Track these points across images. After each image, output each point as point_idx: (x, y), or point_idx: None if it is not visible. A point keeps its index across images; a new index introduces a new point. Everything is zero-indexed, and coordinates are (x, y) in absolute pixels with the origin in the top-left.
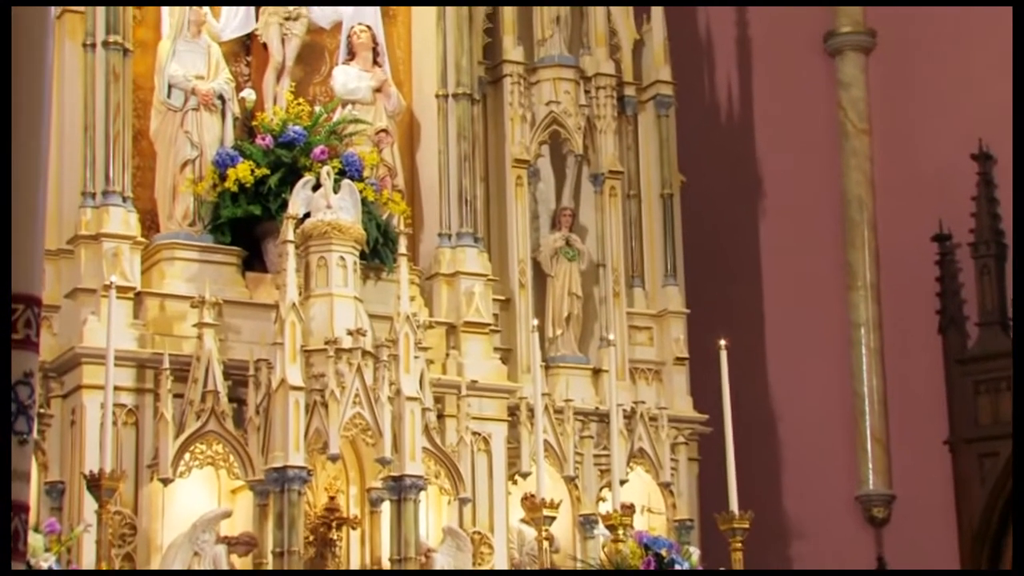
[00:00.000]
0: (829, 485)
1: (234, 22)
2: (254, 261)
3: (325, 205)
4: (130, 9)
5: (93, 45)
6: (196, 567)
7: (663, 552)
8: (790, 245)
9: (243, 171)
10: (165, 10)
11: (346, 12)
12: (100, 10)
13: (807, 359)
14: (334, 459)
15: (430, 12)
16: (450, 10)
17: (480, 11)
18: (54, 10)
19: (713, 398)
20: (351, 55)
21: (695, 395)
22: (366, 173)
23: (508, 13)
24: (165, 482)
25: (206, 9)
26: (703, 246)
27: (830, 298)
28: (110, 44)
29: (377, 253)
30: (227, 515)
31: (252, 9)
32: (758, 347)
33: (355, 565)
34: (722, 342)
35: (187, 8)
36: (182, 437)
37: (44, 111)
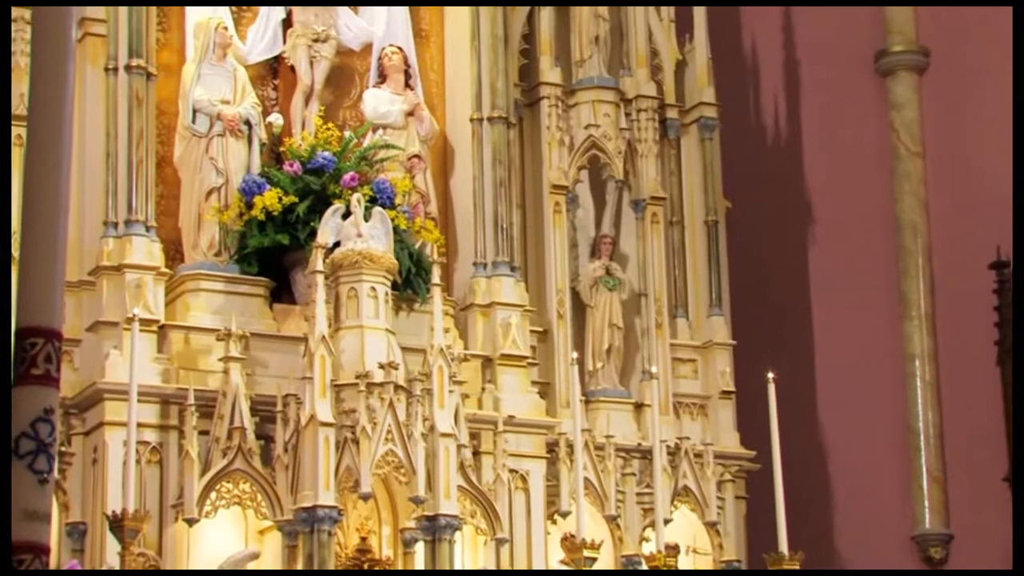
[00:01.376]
0: (883, 525)
1: (261, 44)
2: (282, 292)
3: (355, 234)
4: (153, 32)
5: (115, 69)
6: None
7: None
8: (841, 273)
9: (270, 199)
10: (189, 33)
11: (377, 33)
12: (122, 33)
13: (859, 392)
14: (366, 498)
15: (464, 33)
16: (484, 31)
17: (516, 32)
18: (75, 33)
19: (761, 433)
20: (382, 78)
21: (742, 430)
22: (398, 200)
23: (545, 33)
24: (190, 522)
25: (232, 31)
26: (749, 275)
27: (883, 329)
28: (133, 68)
29: (410, 283)
30: (255, 557)
31: (279, 31)
32: (808, 380)
33: None
34: (770, 375)
35: (212, 31)
36: (208, 476)
37: (65, 138)
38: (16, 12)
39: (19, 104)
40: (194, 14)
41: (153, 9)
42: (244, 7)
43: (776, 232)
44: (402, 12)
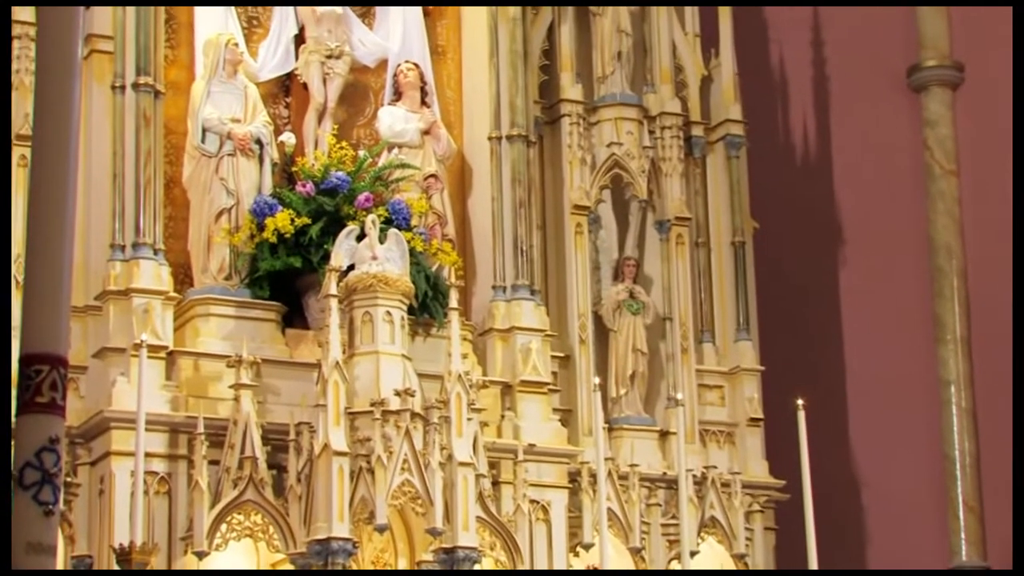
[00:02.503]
0: (918, 557)
1: (272, 61)
2: (294, 317)
3: (370, 256)
4: (161, 49)
5: (122, 87)
6: None
7: None
8: (873, 296)
9: (282, 220)
10: (199, 49)
11: (392, 49)
12: (130, 50)
13: (892, 419)
14: (381, 530)
15: (482, 48)
16: (503, 46)
17: (536, 47)
18: (81, 50)
19: (790, 462)
20: (397, 95)
21: (771, 459)
22: (414, 221)
23: (566, 48)
24: (200, 555)
25: (243, 48)
26: (778, 298)
27: (917, 353)
28: (140, 86)
29: (426, 307)
30: None
31: (292, 47)
32: (839, 407)
33: None
34: (800, 401)
35: (222, 47)
36: (218, 507)
37: (70, 158)
38: (19, 29)
39: (23, 124)
40: (204, 30)
41: (161, 25)
42: (255, 26)
43: (805, 253)
44: (418, 27)
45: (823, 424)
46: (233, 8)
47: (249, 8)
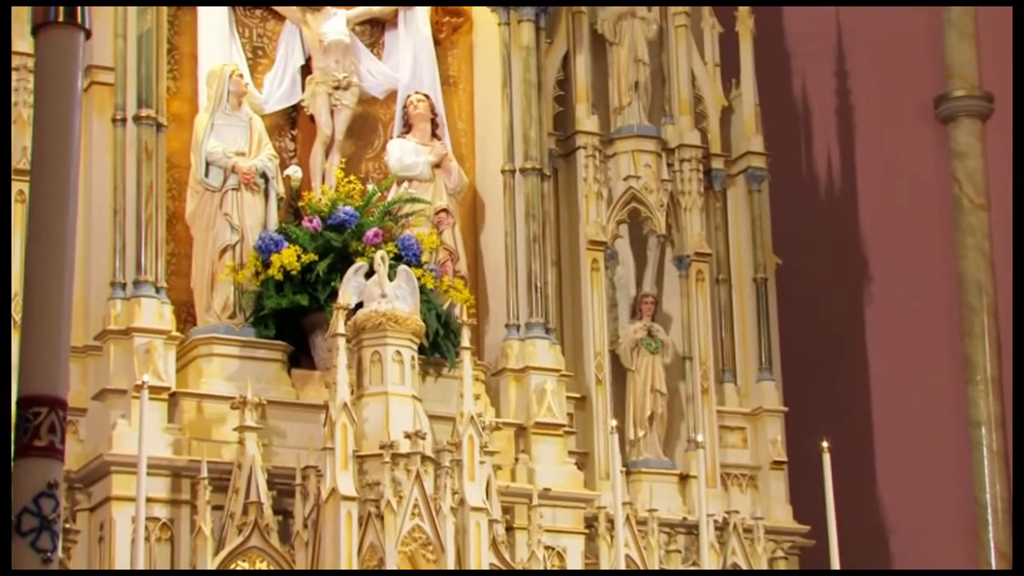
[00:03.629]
0: None
1: (278, 92)
2: (301, 357)
3: (379, 294)
4: (164, 80)
5: (123, 120)
6: None
7: None
8: (900, 334)
9: (288, 257)
10: (202, 81)
11: (401, 80)
12: (131, 82)
13: (921, 462)
14: None
15: (494, 79)
16: (516, 76)
17: (550, 77)
18: (81, 82)
19: (815, 507)
20: (407, 127)
21: (795, 504)
22: (424, 258)
23: (581, 79)
24: None
25: (248, 79)
26: (802, 336)
27: (946, 394)
28: (142, 119)
29: (437, 347)
30: None
31: (298, 78)
32: (865, 449)
33: None
34: (824, 444)
35: (226, 78)
36: (222, 554)
37: (70, 193)
38: (18, 60)
39: (21, 158)
40: (207, 61)
41: (163, 56)
42: (260, 56)
43: (830, 290)
44: (428, 57)
45: (849, 467)
46: (237, 38)
47: (254, 38)
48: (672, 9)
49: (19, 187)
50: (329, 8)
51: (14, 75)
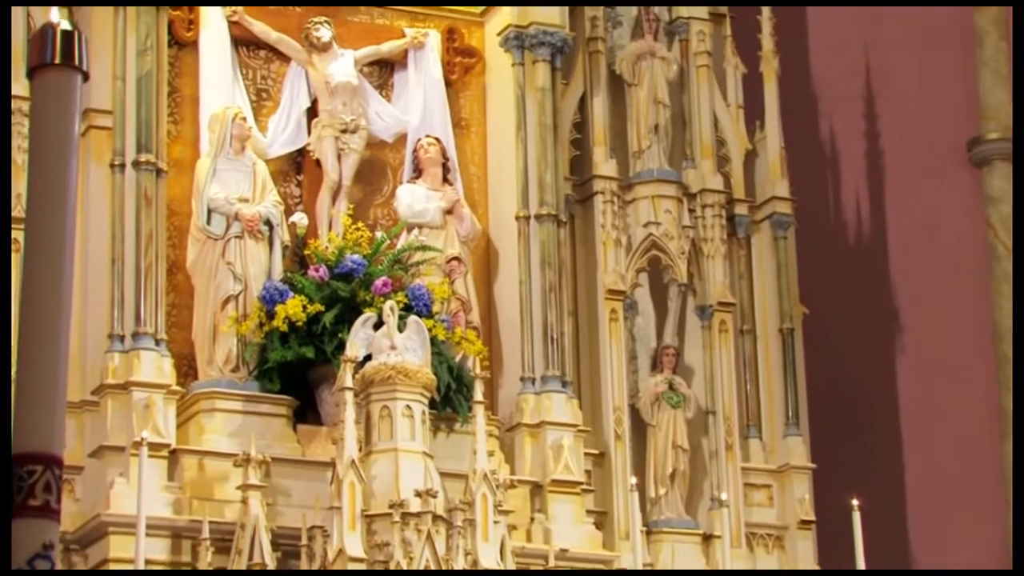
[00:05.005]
0: None
1: (283, 136)
2: (307, 412)
3: (388, 346)
4: (164, 124)
5: (122, 165)
6: None
7: None
8: (933, 387)
9: (294, 308)
10: (204, 124)
11: (411, 123)
12: (130, 126)
13: (956, 521)
14: None
15: (508, 121)
16: (531, 119)
17: (566, 120)
18: (78, 126)
19: (845, 568)
20: (417, 172)
21: (824, 564)
22: (436, 308)
23: (598, 121)
24: None
25: (251, 122)
26: (830, 389)
27: (982, 449)
28: (141, 164)
29: (449, 401)
30: None
31: (303, 121)
32: (897, 508)
33: None
34: (855, 502)
35: (229, 121)
36: None
37: (66, 242)
38: (13, 104)
39: (16, 205)
40: (209, 104)
41: (164, 99)
42: (264, 99)
43: (859, 341)
44: (439, 99)
45: (880, 527)
46: (241, 79)
47: (258, 80)
48: (693, 49)
49: (14, 236)
50: (336, 48)
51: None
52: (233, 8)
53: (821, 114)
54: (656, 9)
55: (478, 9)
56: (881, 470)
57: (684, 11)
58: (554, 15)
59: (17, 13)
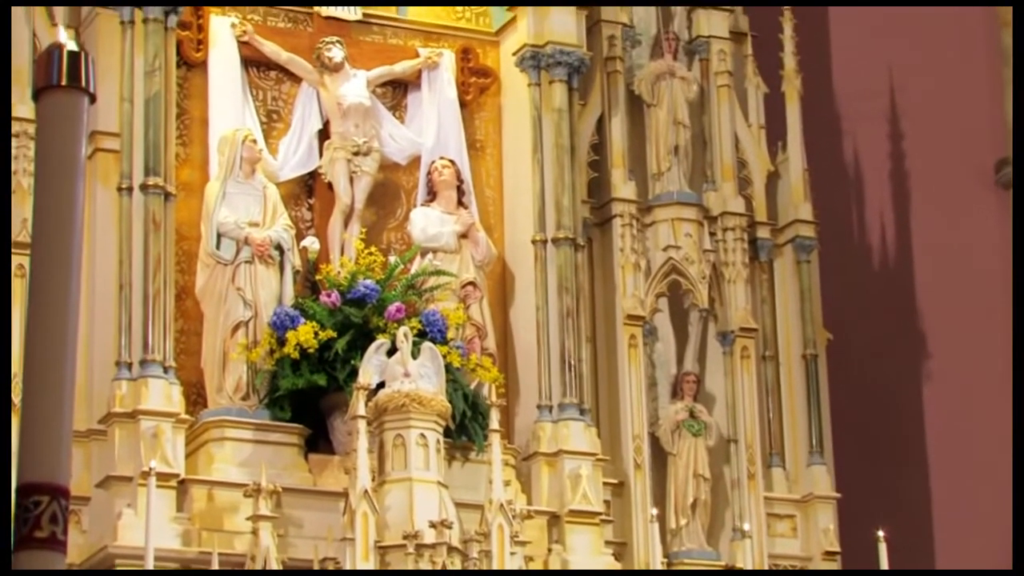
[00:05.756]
0: None
1: (294, 159)
2: (319, 441)
3: (402, 373)
4: (172, 146)
5: (129, 189)
6: None
7: None
8: (961, 415)
9: (305, 334)
10: (213, 147)
11: (425, 145)
12: (137, 148)
13: (984, 553)
14: None
15: (524, 143)
16: (548, 141)
17: (583, 141)
18: (85, 148)
19: None
20: (432, 195)
21: None
22: (450, 334)
23: (617, 143)
24: None
25: (261, 144)
26: (855, 417)
27: (1011, 480)
28: (149, 187)
29: (464, 429)
30: None
31: (315, 144)
32: (924, 539)
33: None
34: (880, 533)
35: (239, 144)
36: None
37: (72, 267)
38: (18, 126)
39: (21, 230)
40: (218, 126)
41: (172, 121)
42: (275, 120)
43: (885, 367)
44: (454, 120)
45: (907, 558)
46: (251, 101)
47: (268, 101)
48: (714, 68)
49: (20, 261)
50: (348, 68)
51: (14, 142)
52: (243, 28)
53: (845, 134)
54: (676, 28)
55: (493, 28)
56: (908, 500)
57: (704, 29)
58: (571, 34)
59: (22, 34)
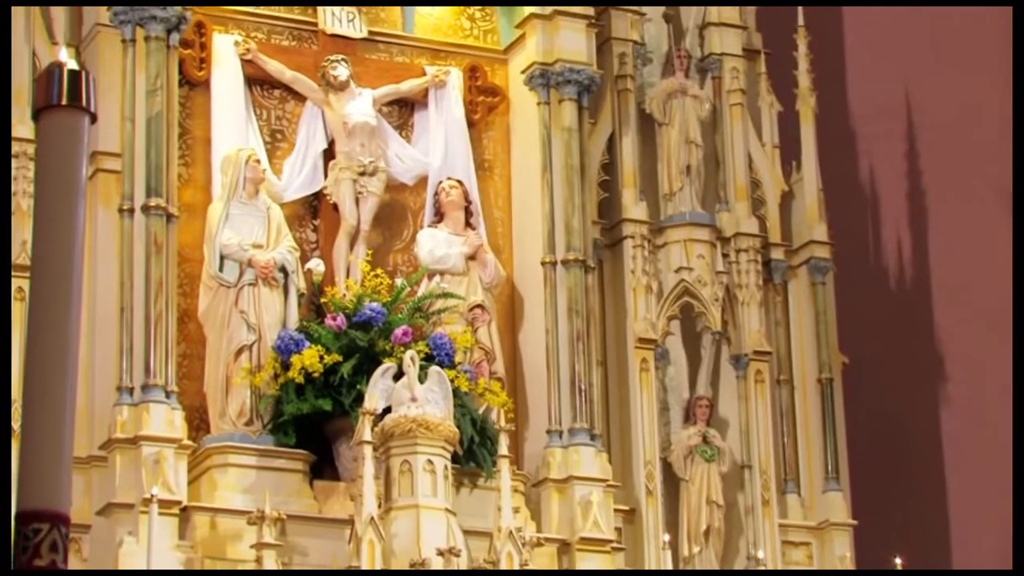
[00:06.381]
0: None
1: (298, 179)
2: (324, 467)
3: (409, 398)
4: (175, 167)
5: (131, 210)
6: None
7: None
8: (979, 441)
9: (310, 358)
10: (216, 167)
11: (432, 165)
12: (139, 169)
13: None
14: None
15: (533, 163)
16: (557, 160)
17: (594, 161)
18: (85, 169)
19: None
20: (439, 216)
21: None
22: (458, 358)
23: (628, 162)
24: None
25: (265, 165)
26: (872, 442)
27: None
28: (151, 209)
29: (472, 455)
30: None
31: (320, 164)
32: (942, 567)
33: None
34: (897, 560)
35: (242, 164)
36: None
37: (73, 290)
38: (17, 147)
39: (21, 252)
40: (221, 146)
41: (175, 141)
42: (279, 140)
43: (902, 391)
44: (462, 140)
45: None
46: (254, 120)
47: (272, 120)
48: (727, 86)
49: (18, 284)
50: (354, 87)
51: (13, 163)
52: (247, 46)
53: (860, 154)
54: (687, 45)
55: (501, 46)
56: (925, 527)
57: (717, 47)
58: (581, 51)
59: (22, 52)
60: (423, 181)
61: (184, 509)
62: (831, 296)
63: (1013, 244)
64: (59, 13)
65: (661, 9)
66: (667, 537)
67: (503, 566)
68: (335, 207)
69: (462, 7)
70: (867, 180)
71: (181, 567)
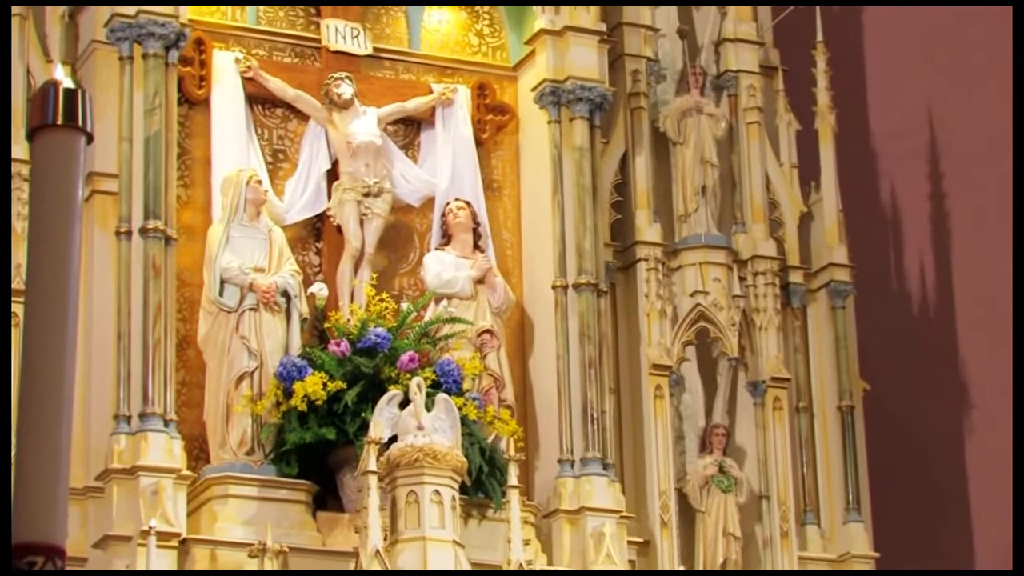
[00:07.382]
0: None
1: (301, 201)
2: (327, 498)
3: (416, 426)
4: (173, 188)
5: (128, 233)
6: None
7: None
8: (1005, 471)
9: (313, 385)
10: (216, 188)
11: (440, 186)
12: (137, 190)
13: None
14: None
15: (544, 184)
16: (568, 181)
17: (606, 181)
18: (81, 191)
19: None
20: (446, 238)
21: None
22: (466, 385)
23: (641, 183)
24: None
25: (267, 186)
26: (894, 472)
27: None
28: (149, 231)
29: (481, 485)
30: None
31: (323, 185)
32: None
33: None
34: None
35: (243, 185)
36: None
37: (69, 315)
38: (12, 168)
39: (15, 276)
40: (222, 166)
41: (173, 161)
42: (281, 160)
43: (925, 419)
44: (470, 160)
45: None
46: (256, 140)
47: (274, 140)
48: (743, 104)
49: (13, 309)
50: (358, 105)
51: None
52: (248, 64)
53: (881, 174)
54: (702, 62)
55: (511, 63)
56: (949, 559)
57: (733, 63)
58: (592, 68)
59: (16, 71)
60: (430, 202)
61: (183, 541)
62: (851, 321)
63: (1012, 255)
64: (54, 29)
65: (675, 25)
66: (682, 569)
67: None
68: (339, 229)
69: (470, 23)
70: (888, 201)
71: None
